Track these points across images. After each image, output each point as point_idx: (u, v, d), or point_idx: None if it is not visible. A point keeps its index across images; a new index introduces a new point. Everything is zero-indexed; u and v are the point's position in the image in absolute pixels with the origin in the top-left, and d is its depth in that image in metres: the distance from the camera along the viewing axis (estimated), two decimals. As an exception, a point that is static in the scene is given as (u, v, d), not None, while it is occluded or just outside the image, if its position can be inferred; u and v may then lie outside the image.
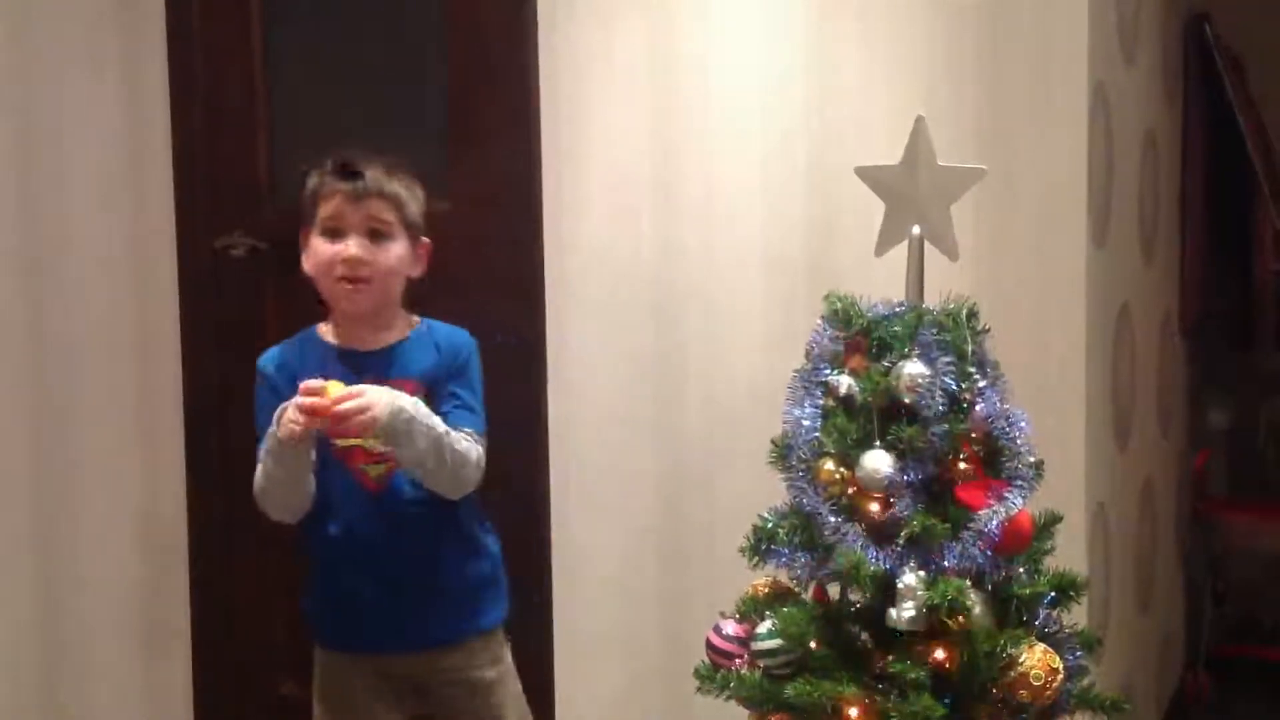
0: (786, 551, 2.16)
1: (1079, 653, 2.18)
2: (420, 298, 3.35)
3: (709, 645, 2.26)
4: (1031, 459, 2.14)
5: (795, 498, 2.15)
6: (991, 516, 2.07)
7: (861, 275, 2.28)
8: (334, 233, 2.42)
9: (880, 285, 2.24)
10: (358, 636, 2.51)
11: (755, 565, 2.22)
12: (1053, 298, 2.87)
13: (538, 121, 3.19)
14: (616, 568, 3.21)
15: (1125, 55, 3.20)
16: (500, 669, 2.57)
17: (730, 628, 2.25)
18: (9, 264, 3.20)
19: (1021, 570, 2.16)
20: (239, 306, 3.53)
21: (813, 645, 2.12)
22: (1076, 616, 2.26)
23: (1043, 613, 2.16)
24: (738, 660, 2.21)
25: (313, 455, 2.37)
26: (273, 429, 2.34)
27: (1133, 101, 3.31)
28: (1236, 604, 4.26)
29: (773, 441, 2.19)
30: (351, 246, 2.40)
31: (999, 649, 2.06)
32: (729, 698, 2.20)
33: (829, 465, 2.12)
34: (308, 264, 2.47)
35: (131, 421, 3.49)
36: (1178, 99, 3.93)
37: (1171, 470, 3.98)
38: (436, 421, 2.36)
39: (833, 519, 2.10)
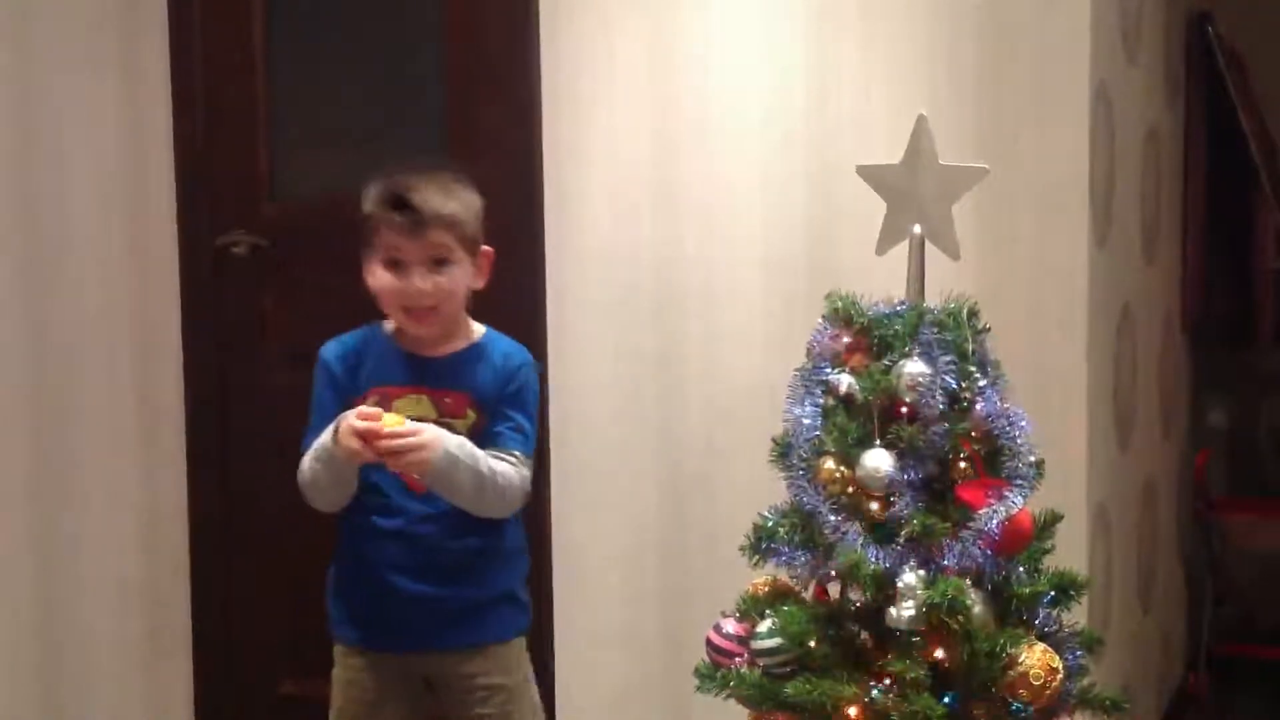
0: (787, 550, 2.16)
1: (1079, 652, 2.18)
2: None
3: (709, 644, 2.25)
4: (1032, 458, 2.14)
5: (795, 496, 2.15)
6: (992, 516, 2.07)
7: (862, 274, 2.28)
8: (395, 264, 2.42)
9: (881, 284, 2.24)
10: (384, 634, 2.51)
11: (755, 564, 2.22)
12: (1054, 297, 2.86)
13: (539, 121, 3.19)
14: (617, 567, 3.20)
15: (1127, 54, 3.20)
16: (519, 677, 2.58)
17: (730, 626, 2.24)
18: (9, 263, 3.20)
19: (1021, 570, 2.15)
20: (240, 305, 3.53)
21: (812, 644, 2.12)
22: (1077, 616, 2.26)
23: (1043, 612, 2.16)
24: (737, 659, 2.21)
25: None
26: (326, 439, 2.35)
27: (1134, 100, 3.31)
28: (1237, 604, 4.25)
29: (773, 440, 2.19)
30: (415, 280, 2.40)
31: (999, 648, 2.06)
32: (729, 697, 2.20)
33: (829, 464, 2.12)
34: (372, 287, 2.47)
35: (132, 420, 3.49)
36: (1179, 98, 3.93)
37: (1172, 470, 3.98)
38: (481, 460, 2.37)
39: (833, 518, 2.10)
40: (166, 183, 3.51)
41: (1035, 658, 2.06)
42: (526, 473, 2.45)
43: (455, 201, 2.43)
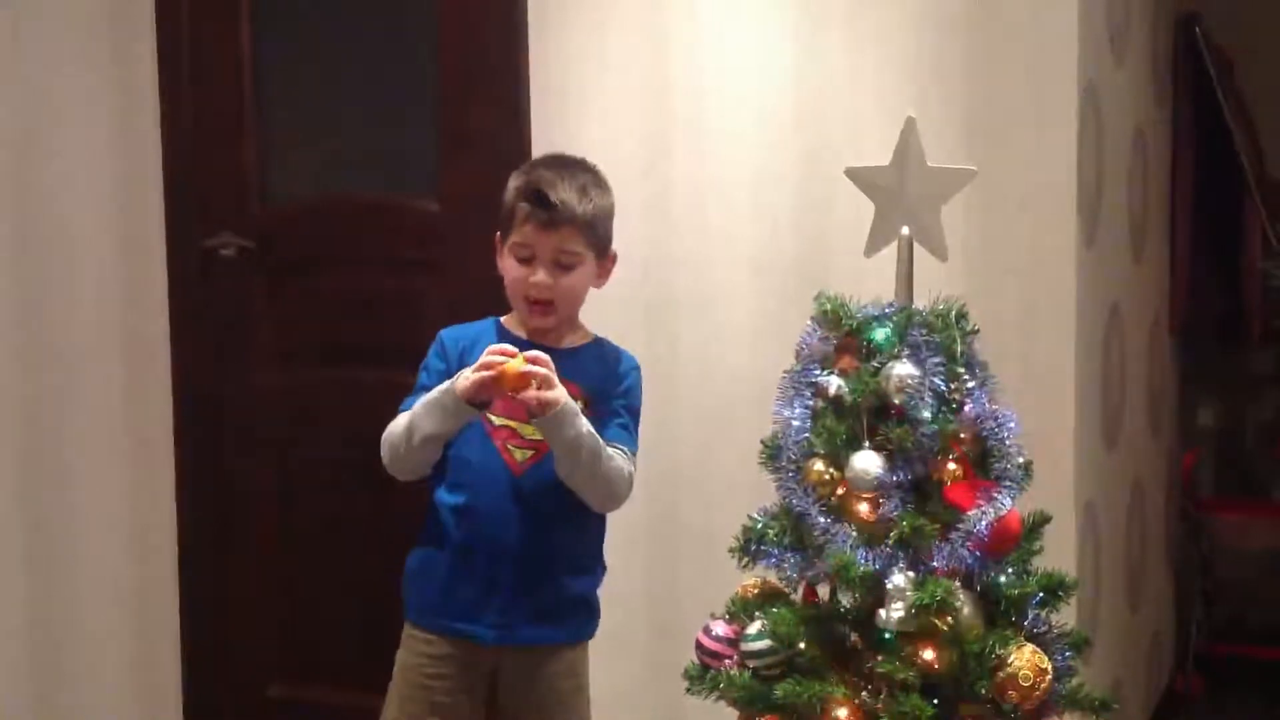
0: (776, 552, 2.16)
1: (1068, 653, 2.18)
2: (414, 299, 3.35)
3: (698, 646, 2.26)
4: (1020, 459, 2.14)
5: (785, 498, 2.16)
6: (980, 517, 2.07)
7: (854, 274, 2.28)
8: (524, 259, 2.46)
9: (871, 286, 2.24)
10: (458, 617, 2.49)
11: (745, 566, 2.22)
12: (1042, 298, 2.87)
13: (528, 121, 3.19)
14: (610, 568, 3.20)
15: (1115, 55, 3.20)
16: (580, 681, 2.59)
17: (719, 628, 2.25)
18: (2, 265, 3.20)
19: (1010, 571, 2.16)
20: (228, 307, 3.52)
21: (802, 646, 2.12)
22: (1065, 617, 2.27)
23: (1031, 613, 2.16)
24: (727, 661, 2.21)
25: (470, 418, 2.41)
26: (436, 391, 2.39)
27: (1122, 101, 3.31)
28: (1226, 603, 4.26)
29: (763, 442, 2.19)
30: (539, 275, 2.45)
31: (988, 650, 2.06)
32: (718, 699, 2.21)
33: (818, 466, 2.12)
34: (500, 268, 2.52)
35: (122, 423, 3.48)
36: (1167, 99, 3.94)
37: (1160, 470, 3.99)
38: (597, 438, 2.40)
39: (822, 520, 2.10)
40: (155, 184, 3.50)
41: (1024, 659, 2.06)
42: (632, 469, 2.47)
43: (590, 204, 2.47)
